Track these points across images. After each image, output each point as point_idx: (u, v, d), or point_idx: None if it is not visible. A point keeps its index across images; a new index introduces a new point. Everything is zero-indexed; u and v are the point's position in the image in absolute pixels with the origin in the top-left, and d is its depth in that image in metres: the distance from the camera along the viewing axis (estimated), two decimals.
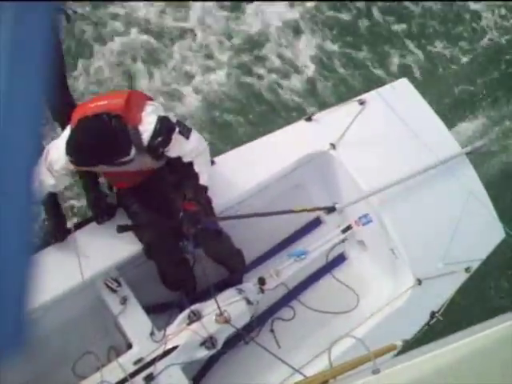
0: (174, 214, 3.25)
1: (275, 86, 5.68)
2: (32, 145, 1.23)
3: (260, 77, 5.70)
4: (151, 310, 3.49)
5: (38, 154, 2.71)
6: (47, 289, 3.06)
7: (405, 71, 5.84)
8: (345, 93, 5.56)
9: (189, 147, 3.07)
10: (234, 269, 3.74)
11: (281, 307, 3.85)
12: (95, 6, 5.69)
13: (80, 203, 4.50)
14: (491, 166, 5.44)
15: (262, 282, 3.58)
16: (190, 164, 3.13)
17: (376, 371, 1.86)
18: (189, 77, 5.55)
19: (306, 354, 3.41)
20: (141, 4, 5.82)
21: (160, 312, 3.57)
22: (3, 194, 1.16)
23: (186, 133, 3.04)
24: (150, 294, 3.55)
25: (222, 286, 3.54)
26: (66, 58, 4.23)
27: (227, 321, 3.30)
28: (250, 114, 5.47)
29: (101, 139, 2.80)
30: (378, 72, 5.95)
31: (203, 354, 3.31)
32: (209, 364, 3.54)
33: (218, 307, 3.25)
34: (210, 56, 5.71)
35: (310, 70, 5.85)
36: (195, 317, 3.30)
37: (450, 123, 4.94)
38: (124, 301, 3.34)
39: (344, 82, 5.84)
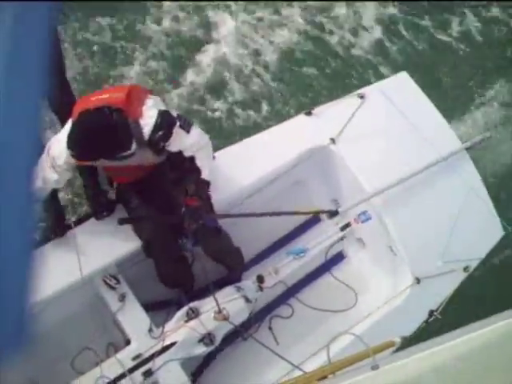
0: (174, 210, 3.25)
1: (274, 85, 5.67)
2: (32, 144, 1.22)
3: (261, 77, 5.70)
4: (150, 307, 3.49)
5: (38, 154, 2.71)
6: (46, 285, 3.05)
7: (404, 64, 5.80)
8: (344, 86, 5.52)
9: (189, 141, 3.07)
10: (232, 267, 3.73)
11: (279, 305, 3.86)
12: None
13: (79, 199, 4.49)
14: (489, 161, 5.42)
15: (260, 279, 3.57)
16: (192, 159, 3.13)
17: (375, 367, 1.86)
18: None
19: (304, 351, 3.40)
20: None
21: (158, 309, 3.58)
22: (3, 193, 1.16)
23: (186, 127, 3.04)
24: (148, 291, 3.55)
25: (220, 284, 3.53)
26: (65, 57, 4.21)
27: (226, 318, 3.30)
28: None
29: (102, 132, 2.80)
30: (378, 65, 5.93)
31: (201, 350, 3.31)
32: (207, 360, 3.55)
33: (217, 304, 3.25)
34: None
35: (307, 64, 5.81)
36: (193, 314, 3.30)
37: (450, 117, 4.93)
38: (122, 298, 3.35)
39: (342, 76, 5.82)
